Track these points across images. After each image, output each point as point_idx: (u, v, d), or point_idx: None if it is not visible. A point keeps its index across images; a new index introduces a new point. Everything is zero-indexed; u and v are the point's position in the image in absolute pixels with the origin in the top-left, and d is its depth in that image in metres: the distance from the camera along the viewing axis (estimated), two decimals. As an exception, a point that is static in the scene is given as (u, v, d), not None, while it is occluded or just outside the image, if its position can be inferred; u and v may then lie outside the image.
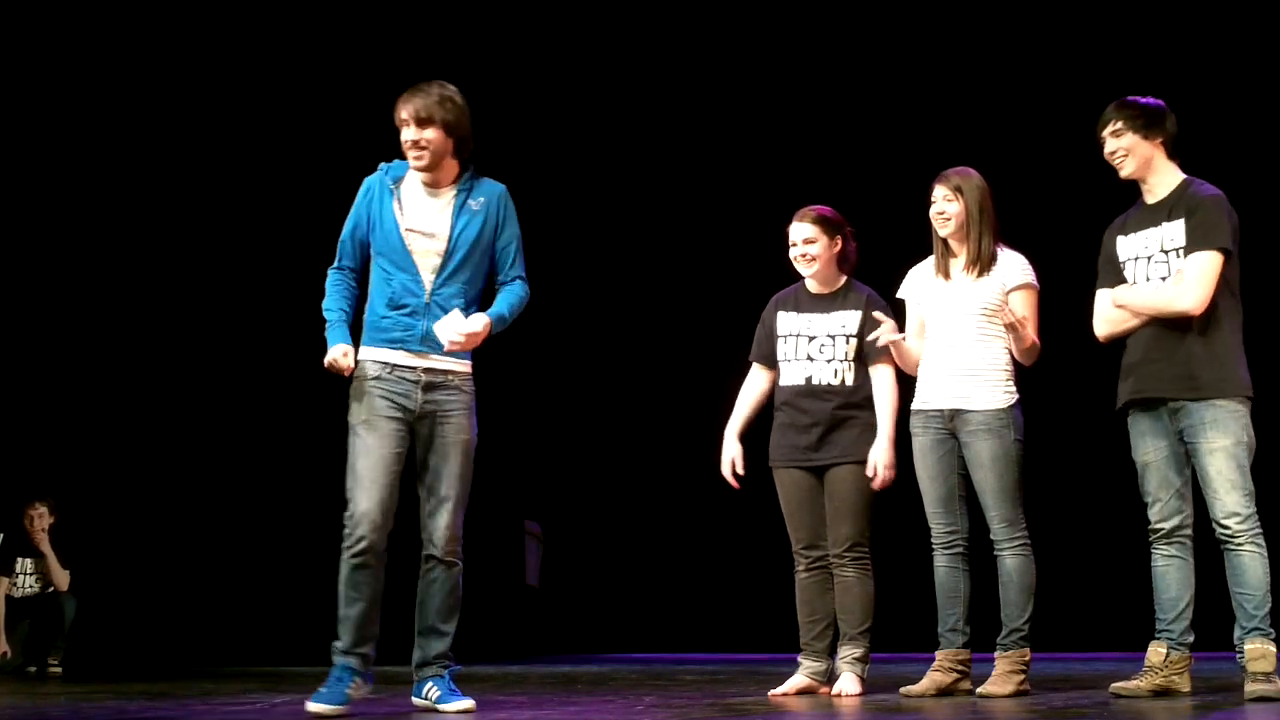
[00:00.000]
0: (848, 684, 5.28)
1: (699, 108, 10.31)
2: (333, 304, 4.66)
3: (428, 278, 4.59)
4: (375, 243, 4.63)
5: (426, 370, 4.60)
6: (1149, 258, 4.84)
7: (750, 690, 5.60)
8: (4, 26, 9.33)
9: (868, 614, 5.37)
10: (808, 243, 5.45)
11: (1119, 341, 4.93)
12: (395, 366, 4.58)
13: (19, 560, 9.07)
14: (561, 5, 9.97)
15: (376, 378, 4.56)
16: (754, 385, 5.61)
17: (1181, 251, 4.75)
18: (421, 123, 4.55)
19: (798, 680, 5.41)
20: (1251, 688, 4.60)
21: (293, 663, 8.70)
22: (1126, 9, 9.28)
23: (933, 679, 5.18)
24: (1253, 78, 9.12)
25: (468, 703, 4.56)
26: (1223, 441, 4.67)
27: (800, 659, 5.48)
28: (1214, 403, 4.69)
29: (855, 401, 5.40)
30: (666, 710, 4.58)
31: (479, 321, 4.54)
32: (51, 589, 9.09)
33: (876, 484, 5.31)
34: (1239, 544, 4.67)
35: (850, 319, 5.43)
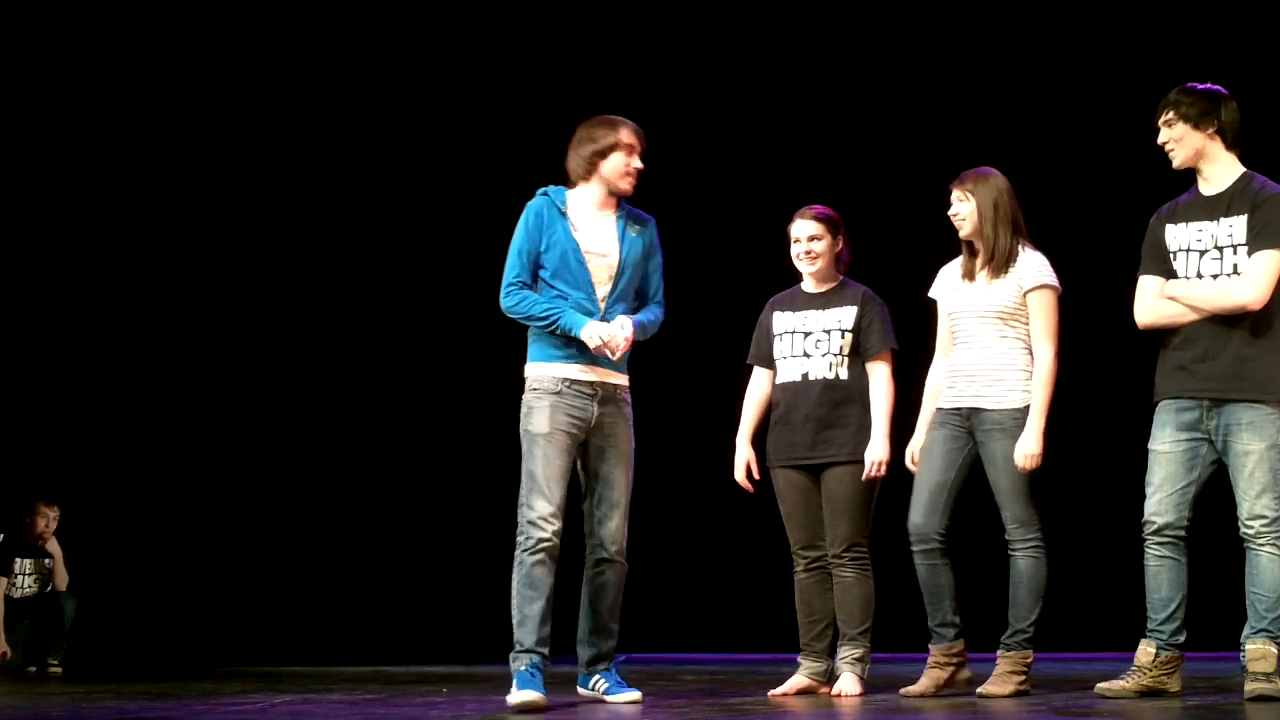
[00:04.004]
0: (848, 684, 5.28)
1: (702, 109, 10.30)
2: (544, 302, 4.82)
3: (601, 295, 4.86)
4: (549, 263, 4.85)
5: (601, 385, 4.86)
6: (1202, 252, 4.78)
7: (750, 690, 5.60)
8: (8, 27, 9.34)
9: (867, 614, 5.37)
10: (812, 240, 5.45)
11: (1154, 334, 4.88)
12: (573, 382, 4.82)
13: (17, 560, 9.07)
14: (564, 8, 9.96)
15: (557, 393, 4.79)
16: (757, 389, 5.61)
17: (1239, 248, 4.71)
18: (643, 155, 4.92)
19: (797, 680, 5.42)
20: (1251, 687, 4.59)
21: (293, 663, 8.70)
22: (1144, 4, 9.25)
23: (931, 676, 5.16)
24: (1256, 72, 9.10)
25: (635, 694, 4.86)
26: (1258, 445, 4.66)
27: (800, 659, 5.48)
28: (1254, 405, 4.68)
29: (850, 396, 5.39)
30: (666, 710, 4.58)
31: (628, 325, 4.82)
32: (50, 589, 9.09)
33: (866, 476, 5.31)
34: (1260, 544, 4.66)
35: (847, 314, 5.43)
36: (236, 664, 8.61)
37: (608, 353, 4.78)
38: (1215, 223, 4.77)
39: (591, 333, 4.75)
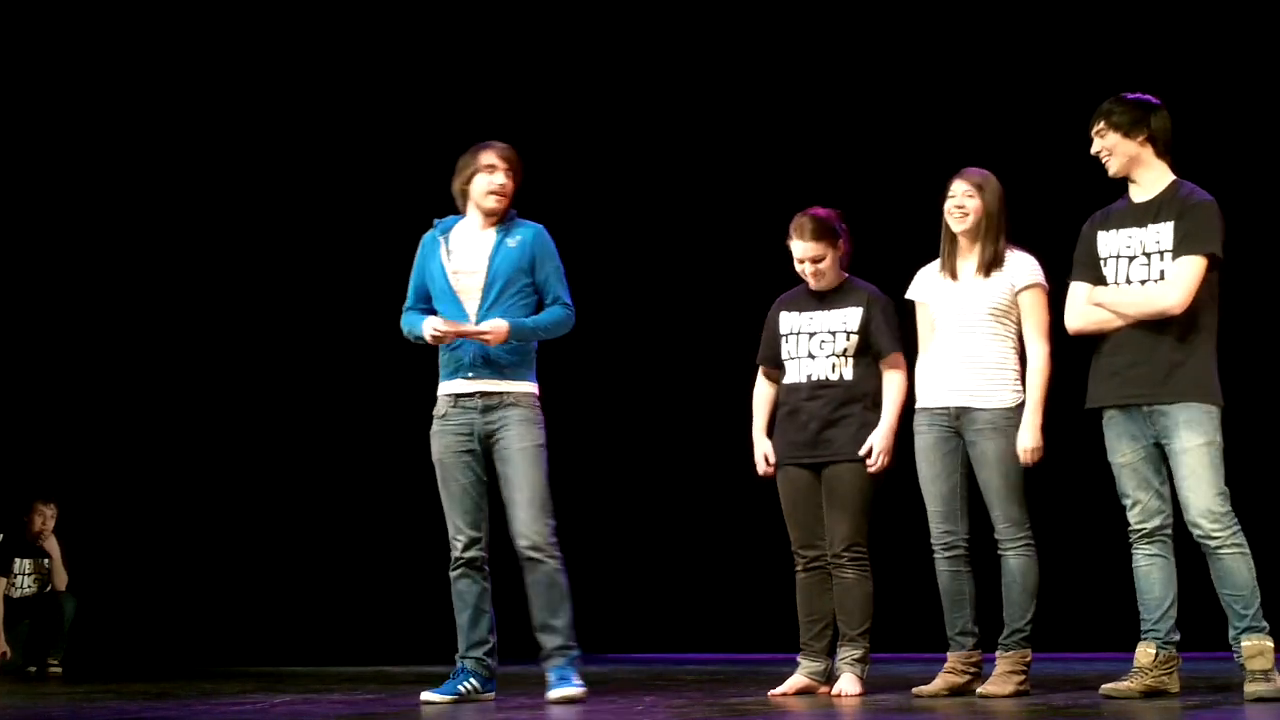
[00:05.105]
0: (847, 684, 5.28)
1: (699, 103, 10.30)
2: (413, 320, 5.19)
3: (472, 309, 5.09)
4: (431, 290, 5.20)
5: (483, 395, 5.10)
6: (1131, 258, 4.81)
7: (750, 690, 5.60)
8: (9, 27, 9.34)
9: (867, 614, 5.36)
10: (816, 260, 5.40)
11: (1090, 338, 4.92)
12: (458, 397, 5.13)
13: (17, 560, 9.07)
14: (570, 18, 9.97)
15: (444, 415, 5.16)
16: (765, 388, 5.60)
17: (1166, 254, 4.73)
18: (509, 171, 5.18)
19: (797, 680, 5.41)
20: (1252, 688, 4.58)
21: (293, 663, 8.70)
22: (1126, 6, 9.27)
23: (946, 680, 5.17)
24: (1246, 79, 9.10)
25: (573, 690, 4.95)
26: (1195, 441, 4.66)
27: (799, 659, 5.48)
28: (1188, 405, 4.69)
29: (854, 397, 5.38)
30: (666, 710, 4.58)
31: (496, 324, 5.00)
32: (50, 589, 9.09)
33: (872, 468, 5.30)
34: (1216, 546, 4.65)
35: (852, 315, 5.41)
36: (236, 664, 8.62)
37: (431, 339, 5.05)
38: (1144, 229, 4.80)
39: (426, 328, 5.06)
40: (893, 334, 5.40)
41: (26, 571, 9.11)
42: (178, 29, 9.71)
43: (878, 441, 5.31)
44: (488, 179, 5.16)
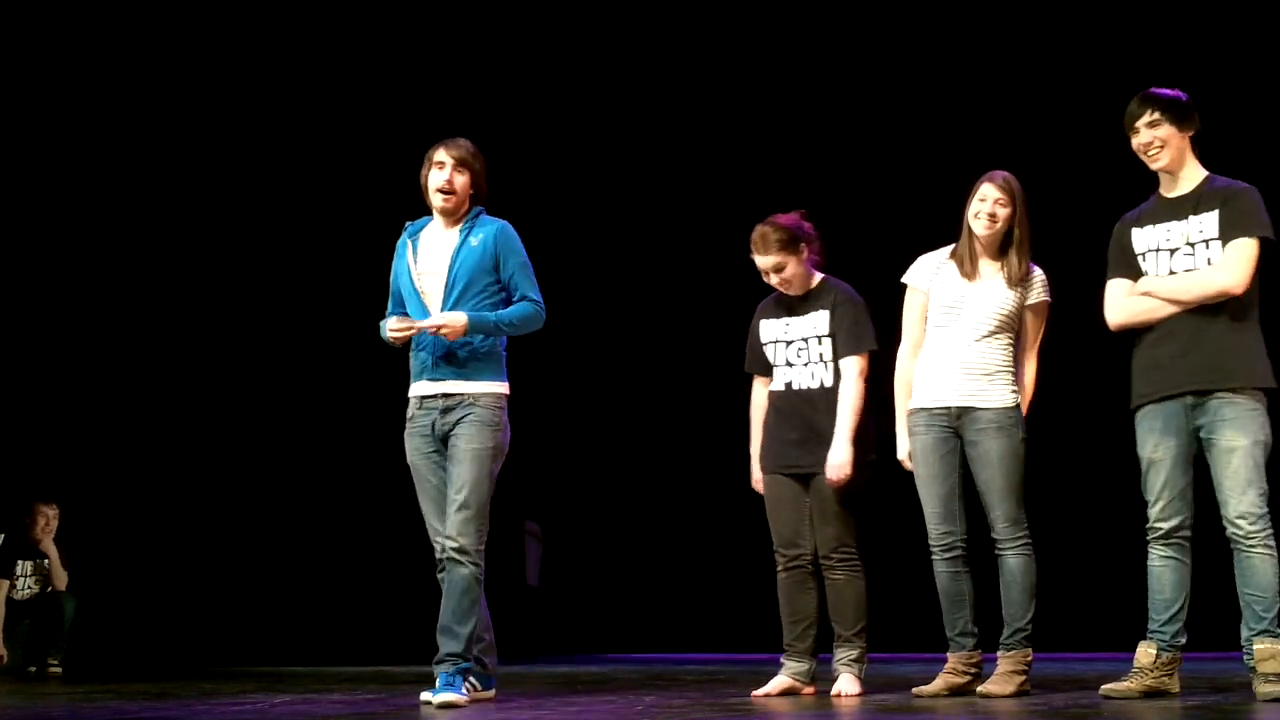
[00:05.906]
0: (846, 684, 5.26)
1: (691, 104, 10.31)
2: (384, 321, 5.12)
3: (435, 309, 5.02)
4: (401, 293, 5.15)
5: (444, 395, 5.02)
6: (1172, 250, 4.78)
7: (750, 691, 5.59)
8: (8, 27, 9.34)
9: (860, 614, 5.34)
10: (779, 270, 5.37)
11: (1126, 337, 4.89)
12: (424, 398, 5.07)
13: (19, 563, 9.07)
14: (566, 21, 9.97)
15: (411, 417, 5.11)
16: (759, 398, 5.58)
17: (1212, 243, 4.71)
18: (458, 167, 5.08)
19: (780, 681, 5.38)
20: (1265, 689, 4.57)
21: (293, 663, 8.70)
22: (1119, 6, 9.29)
23: (946, 680, 5.16)
24: (1245, 77, 9.11)
25: (455, 696, 4.79)
26: (1242, 441, 4.64)
27: (783, 659, 5.44)
28: (1235, 400, 4.66)
29: (835, 403, 5.32)
30: (666, 710, 4.57)
31: (448, 318, 4.93)
32: (51, 589, 9.09)
33: (832, 483, 5.24)
34: (1250, 545, 4.63)
35: (821, 320, 5.38)
36: (236, 664, 8.62)
37: (393, 339, 5.00)
38: (1184, 221, 4.79)
39: (385, 330, 5.04)
40: (856, 336, 5.31)
41: (28, 573, 9.10)
42: (173, 33, 9.71)
43: (835, 457, 5.22)
44: (435, 176, 5.10)
